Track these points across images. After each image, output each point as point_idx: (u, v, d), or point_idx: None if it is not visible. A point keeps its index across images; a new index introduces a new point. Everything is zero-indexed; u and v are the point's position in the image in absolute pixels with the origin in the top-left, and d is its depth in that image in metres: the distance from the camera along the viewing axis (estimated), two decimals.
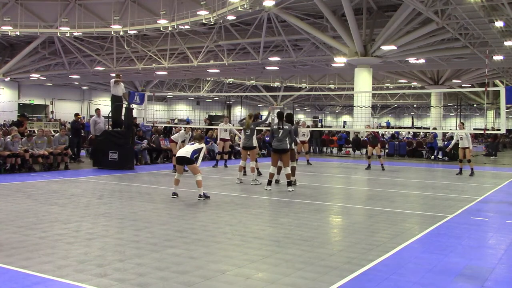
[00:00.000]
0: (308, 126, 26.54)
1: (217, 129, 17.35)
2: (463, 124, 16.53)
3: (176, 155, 9.59)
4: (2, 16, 31.20)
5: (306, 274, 4.77)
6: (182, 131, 14.18)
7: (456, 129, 23.86)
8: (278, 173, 11.68)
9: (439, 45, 27.09)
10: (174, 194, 9.37)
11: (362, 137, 26.33)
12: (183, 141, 13.76)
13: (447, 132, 26.36)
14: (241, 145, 12.81)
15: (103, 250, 5.46)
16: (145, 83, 54.90)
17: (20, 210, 7.66)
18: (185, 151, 9.24)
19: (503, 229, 7.41)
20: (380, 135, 19.77)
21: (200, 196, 9.13)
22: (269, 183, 10.92)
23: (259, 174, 13.25)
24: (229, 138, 16.86)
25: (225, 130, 16.24)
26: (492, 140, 26.81)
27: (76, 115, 18.78)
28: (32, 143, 13.60)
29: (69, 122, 26.21)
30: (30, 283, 4.33)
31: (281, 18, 27.24)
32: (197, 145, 9.29)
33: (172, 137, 14.57)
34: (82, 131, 18.58)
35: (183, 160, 9.23)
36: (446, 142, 23.85)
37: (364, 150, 25.52)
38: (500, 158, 26.03)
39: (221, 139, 16.10)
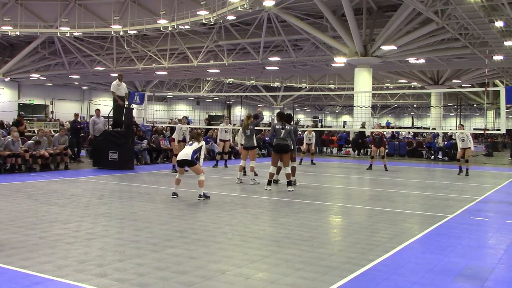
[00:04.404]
0: (308, 126, 26.55)
1: (217, 129, 17.37)
2: (462, 126, 16.80)
3: (177, 159, 9.47)
4: (2, 16, 31.17)
5: (306, 274, 4.77)
6: (178, 124, 14.22)
7: (456, 128, 23.91)
8: (277, 173, 11.68)
9: (439, 45, 27.08)
10: (174, 194, 9.36)
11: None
12: (183, 138, 13.81)
13: (447, 132, 26.39)
14: (239, 145, 12.81)
15: (103, 250, 5.45)
16: (145, 83, 54.86)
17: (20, 210, 7.66)
18: (185, 153, 9.17)
19: (503, 229, 7.41)
20: (385, 135, 19.84)
21: (200, 196, 9.12)
22: (269, 183, 10.92)
23: (255, 174, 13.25)
24: (229, 138, 16.87)
25: (226, 131, 16.27)
26: None
27: (76, 115, 18.77)
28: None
29: (68, 122, 26.08)
30: (30, 283, 4.33)
31: (281, 18, 27.22)
32: (195, 145, 9.26)
33: (173, 135, 14.59)
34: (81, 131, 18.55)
35: (184, 163, 9.21)
36: (446, 142, 23.86)
37: (364, 150, 25.54)
38: (500, 158, 26.02)
39: (221, 140, 16.15)
